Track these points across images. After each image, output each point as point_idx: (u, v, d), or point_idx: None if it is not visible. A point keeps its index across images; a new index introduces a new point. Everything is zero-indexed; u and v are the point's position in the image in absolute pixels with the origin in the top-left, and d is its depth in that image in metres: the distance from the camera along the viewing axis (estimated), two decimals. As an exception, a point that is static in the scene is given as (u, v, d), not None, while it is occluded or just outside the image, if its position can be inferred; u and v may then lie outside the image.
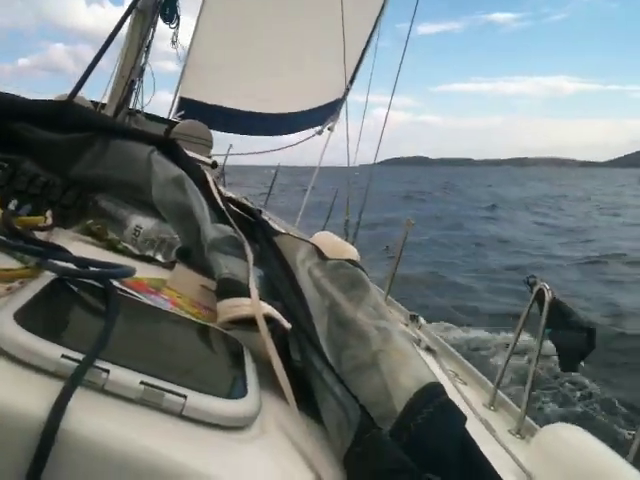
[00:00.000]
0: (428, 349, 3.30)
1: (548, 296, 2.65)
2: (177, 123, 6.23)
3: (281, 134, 7.28)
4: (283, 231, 1.62)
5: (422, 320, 3.84)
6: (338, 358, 1.10)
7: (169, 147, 1.54)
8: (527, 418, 2.65)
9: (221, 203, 1.45)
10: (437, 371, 3.07)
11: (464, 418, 0.98)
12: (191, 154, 2.51)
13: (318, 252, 1.46)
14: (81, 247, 1.44)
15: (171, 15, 5.27)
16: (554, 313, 2.67)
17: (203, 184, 1.48)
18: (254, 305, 1.04)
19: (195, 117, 6.81)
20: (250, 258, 1.24)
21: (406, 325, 3.80)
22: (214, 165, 5.23)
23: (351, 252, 4.90)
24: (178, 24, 5.76)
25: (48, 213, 1.39)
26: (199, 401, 0.75)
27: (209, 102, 7.22)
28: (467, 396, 2.81)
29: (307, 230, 5.53)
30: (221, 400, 0.77)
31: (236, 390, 0.83)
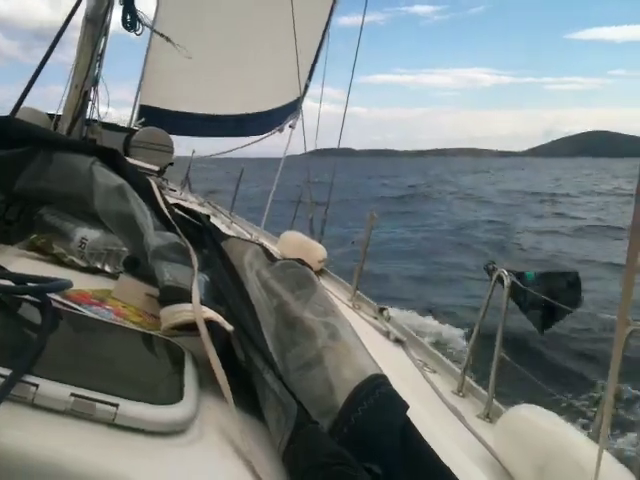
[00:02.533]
0: (397, 340, 3.33)
1: (507, 281, 2.70)
2: (136, 131, 6.18)
3: (244, 135, 7.26)
4: (241, 234, 1.62)
5: (391, 312, 3.86)
6: (284, 356, 1.10)
7: (111, 157, 1.53)
8: (495, 402, 2.69)
9: (166, 210, 1.44)
10: (406, 361, 3.10)
11: (405, 407, 0.99)
12: (135, 162, 2.50)
13: (266, 253, 1.47)
14: (26, 263, 1.43)
15: (133, 22, 5.15)
16: (516, 293, 2.73)
17: (147, 192, 1.47)
18: (195, 310, 1.04)
19: (156, 124, 6.76)
20: (195, 264, 1.24)
21: (375, 318, 3.81)
22: (160, 172, 5.20)
23: (319, 249, 4.93)
24: (143, 31, 5.68)
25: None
26: (131, 409, 0.75)
27: (169, 108, 7.18)
28: (436, 384, 2.84)
29: (273, 228, 5.54)
30: (154, 406, 0.77)
31: (171, 395, 0.83)
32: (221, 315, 1.07)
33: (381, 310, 3.88)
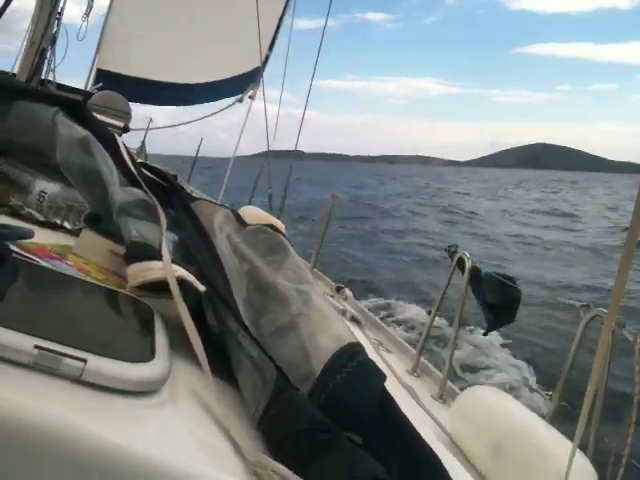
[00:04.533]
0: (353, 319, 3.33)
1: (468, 263, 2.72)
2: (92, 94, 5.96)
3: (201, 102, 7.09)
4: (201, 196, 1.55)
5: (348, 292, 3.86)
6: (257, 322, 1.06)
7: (75, 108, 1.44)
8: (449, 383, 2.72)
9: (132, 166, 1.37)
10: (362, 340, 3.10)
11: (383, 377, 0.96)
12: (100, 117, 2.39)
13: (237, 217, 1.42)
14: None
15: None
16: (474, 279, 2.74)
17: (112, 147, 1.39)
18: (166, 268, 0.99)
19: (113, 89, 6.54)
20: (163, 222, 1.18)
21: (332, 297, 3.81)
22: (125, 129, 5.03)
23: (278, 225, 4.87)
24: None
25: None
26: (100, 365, 0.69)
27: (127, 73, 6.95)
28: (391, 363, 2.85)
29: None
30: (125, 364, 0.72)
31: (142, 353, 0.78)
32: (192, 275, 1.02)
33: (338, 289, 3.88)
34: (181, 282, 0.97)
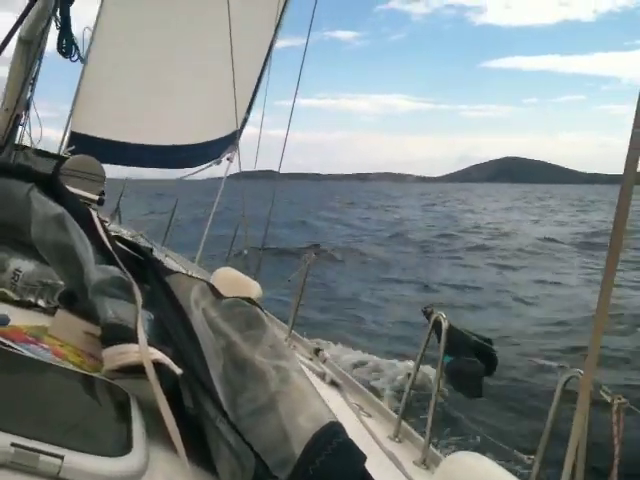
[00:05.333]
0: (333, 383, 3.29)
1: (445, 324, 2.72)
2: (66, 158, 5.97)
3: (179, 167, 7.14)
4: (177, 269, 1.55)
5: (326, 354, 3.82)
6: (234, 402, 1.05)
7: (50, 184, 1.44)
8: (431, 448, 2.67)
9: (108, 242, 1.37)
10: (342, 405, 3.05)
11: (363, 458, 0.95)
12: (76, 191, 2.39)
13: (213, 290, 1.41)
14: None
15: (69, 48, 4.92)
16: (452, 340, 2.74)
17: (87, 222, 1.39)
18: (142, 351, 0.98)
19: (87, 152, 6.55)
20: (139, 300, 1.18)
21: (310, 359, 3.77)
22: (100, 202, 5.04)
23: (253, 287, 4.84)
24: (79, 57, 5.51)
25: None
26: (78, 461, 0.68)
27: (101, 136, 6.97)
28: (372, 429, 2.80)
29: (209, 263, 5.42)
30: (103, 459, 0.71)
31: (120, 446, 0.76)
32: (168, 357, 1.01)
33: (317, 351, 3.83)
34: (157, 365, 0.96)
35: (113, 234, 1.65)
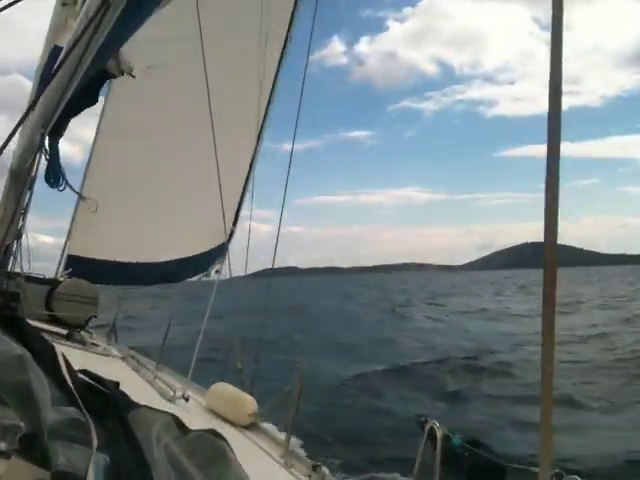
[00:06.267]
0: None
1: (439, 433, 2.63)
2: (60, 282, 6.02)
3: (170, 282, 7.19)
4: (141, 403, 1.51)
5: (325, 470, 3.68)
6: None
7: (12, 323, 1.43)
8: None
9: (69, 380, 1.34)
10: None
11: None
12: (42, 326, 2.38)
13: (178, 424, 1.37)
14: None
15: (57, 179, 5.05)
16: (449, 451, 2.65)
17: (51, 361, 1.37)
18: (87, 502, 0.93)
19: (83, 274, 6.63)
20: (94, 443, 1.14)
21: (309, 476, 3.63)
22: (69, 336, 5.05)
23: (248, 402, 4.73)
24: (66, 186, 5.67)
25: None
26: None
27: (97, 257, 7.09)
28: None
29: (204, 380, 5.32)
30: None
31: None
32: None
33: (314, 467, 3.70)
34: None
35: (82, 366, 1.63)
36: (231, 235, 6.43)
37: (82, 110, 4.43)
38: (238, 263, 5.87)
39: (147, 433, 1.30)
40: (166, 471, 1.19)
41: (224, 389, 4.83)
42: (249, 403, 4.52)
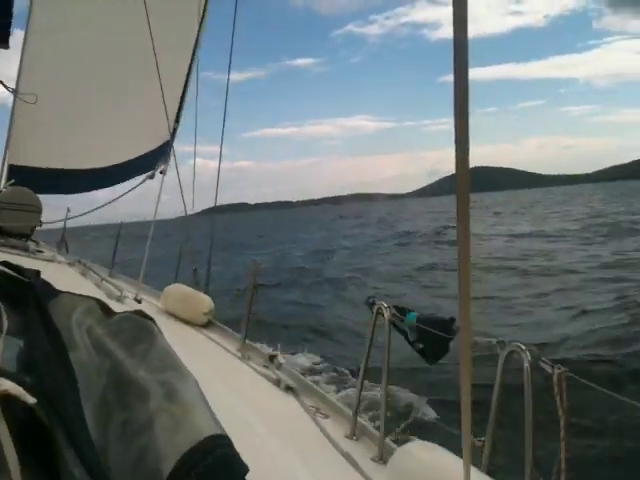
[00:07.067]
0: (288, 388, 3.22)
1: (387, 314, 2.65)
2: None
3: (114, 184, 6.96)
4: (64, 291, 1.43)
5: (281, 359, 3.75)
6: (106, 427, 0.94)
7: None
8: (389, 442, 2.60)
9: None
10: (297, 409, 2.97)
11: (245, 470, 0.86)
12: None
13: (102, 307, 1.30)
14: None
15: None
16: (398, 327, 2.69)
17: None
18: (-11, 381, 0.87)
19: (27, 183, 6.40)
20: (4, 327, 1.06)
21: (266, 367, 3.69)
22: (25, 235, 4.92)
23: (204, 301, 4.73)
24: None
25: None
26: None
27: (39, 165, 6.80)
28: (329, 430, 2.72)
29: (157, 283, 5.29)
30: None
31: None
32: (25, 386, 0.90)
33: (271, 358, 3.76)
34: (6, 397, 0.85)
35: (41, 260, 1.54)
36: (174, 132, 6.19)
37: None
38: (187, 201, 5.67)
39: (68, 318, 1.23)
40: (87, 353, 1.13)
41: (179, 289, 4.81)
42: (205, 301, 4.53)
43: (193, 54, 5.98)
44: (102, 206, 6.63)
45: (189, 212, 5.63)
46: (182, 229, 5.80)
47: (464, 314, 1.05)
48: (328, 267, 22.63)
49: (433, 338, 2.56)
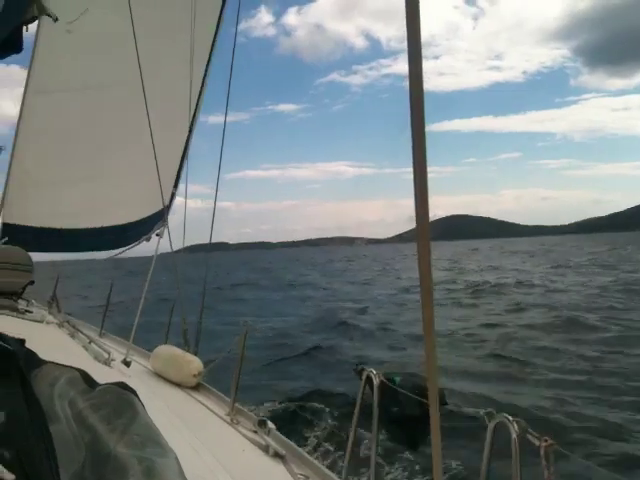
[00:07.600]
0: (276, 455, 3.16)
1: (376, 380, 2.63)
2: (-7, 251, 5.82)
3: (111, 249, 7.00)
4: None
5: (271, 424, 3.69)
6: None
7: None
8: None
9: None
10: (285, 477, 2.91)
11: None
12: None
13: (85, 379, 1.30)
14: None
15: None
16: (386, 395, 2.66)
17: None
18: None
19: (20, 242, 6.41)
20: None
21: (255, 432, 3.62)
22: (15, 294, 4.90)
23: (193, 363, 4.67)
24: None
25: None
26: None
27: (33, 224, 6.83)
28: None
29: (146, 344, 5.23)
30: None
31: None
32: (4, 462, 0.90)
33: (260, 423, 3.70)
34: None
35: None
36: (172, 198, 6.27)
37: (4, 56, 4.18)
38: (173, 238, 5.72)
39: (50, 389, 1.23)
40: (68, 425, 1.12)
41: (168, 351, 4.75)
42: (194, 363, 4.47)
43: (190, 131, 6.13)
44: (104, 259, 6.69)
45: (163, 251, 5.70)
46: (166, 270, 5.77)
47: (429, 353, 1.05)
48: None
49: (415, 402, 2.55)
